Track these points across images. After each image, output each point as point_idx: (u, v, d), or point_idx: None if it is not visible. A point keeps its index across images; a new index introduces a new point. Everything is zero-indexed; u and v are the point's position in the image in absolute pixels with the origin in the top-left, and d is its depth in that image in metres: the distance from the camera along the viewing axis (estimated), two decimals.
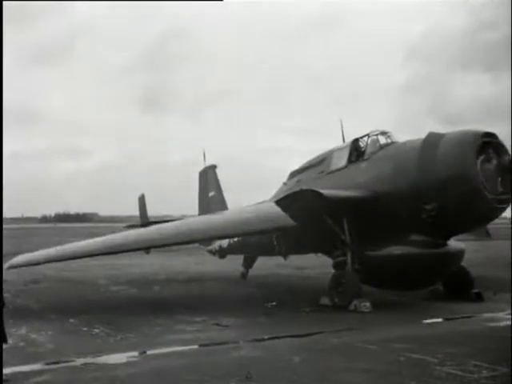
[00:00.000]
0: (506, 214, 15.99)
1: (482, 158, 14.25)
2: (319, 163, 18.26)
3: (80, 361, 9.58)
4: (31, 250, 18.45)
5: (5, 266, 19.22)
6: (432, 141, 15.05)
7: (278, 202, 15.79)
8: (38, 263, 18.23)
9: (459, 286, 16.44)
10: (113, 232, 21.70)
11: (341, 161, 17.46)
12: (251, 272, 22.33)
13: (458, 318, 13.81)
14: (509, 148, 14.70)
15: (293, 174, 19.74)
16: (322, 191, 15.54)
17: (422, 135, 15.60)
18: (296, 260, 22.52)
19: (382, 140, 16.72)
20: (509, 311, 14.01)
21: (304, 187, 16.32)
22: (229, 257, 23.39)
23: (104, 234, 21.28)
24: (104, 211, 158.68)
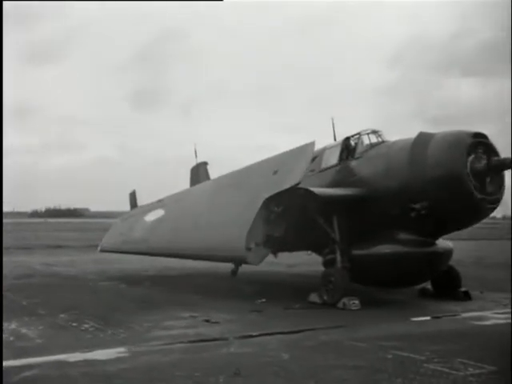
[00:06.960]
0: (495, 214, 16.06)
1: (471, 157, 14.36)
2: (310, 161, 18.29)
3: (69, 356, 9.58)
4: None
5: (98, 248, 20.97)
6: (422, 140, 15.13)
7: (270, 200, 15.82)
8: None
9: (448, 285, 16.56)
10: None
11: (332, 159, 17.57)
12: (241, 269, 22.35)
13: (445, 316, 13.95)
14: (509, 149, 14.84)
15: None
16: (314, 190, 15.64)
17: (406, 135, 15.77)
18: (286, 258, 22.57)
19: (373, 139, 16.83)
20: (496, 310, 14.16)
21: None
22: None
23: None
24: (95, 207, 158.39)
